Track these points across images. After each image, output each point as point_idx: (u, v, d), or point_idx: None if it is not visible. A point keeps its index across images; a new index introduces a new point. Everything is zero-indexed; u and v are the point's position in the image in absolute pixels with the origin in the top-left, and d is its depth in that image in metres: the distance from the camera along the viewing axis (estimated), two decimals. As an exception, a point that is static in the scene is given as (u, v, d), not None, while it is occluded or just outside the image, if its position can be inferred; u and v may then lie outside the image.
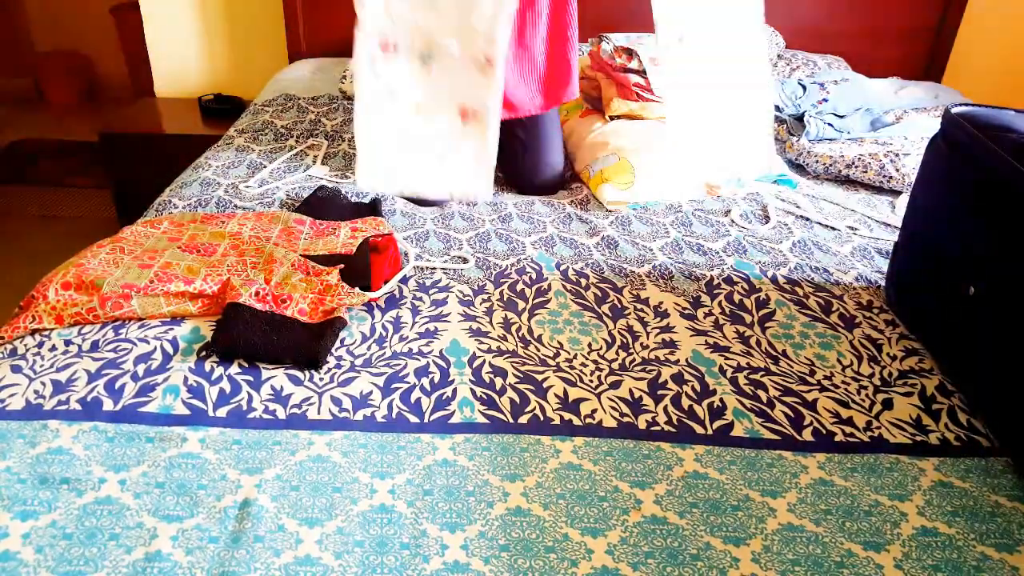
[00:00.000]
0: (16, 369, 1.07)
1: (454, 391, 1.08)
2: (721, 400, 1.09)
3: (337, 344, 1.17)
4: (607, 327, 1.25)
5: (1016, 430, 1.00)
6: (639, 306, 1.31)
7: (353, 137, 2.00)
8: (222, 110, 2.59)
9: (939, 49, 2.57)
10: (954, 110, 1.20)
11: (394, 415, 1.03)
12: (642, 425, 1.03)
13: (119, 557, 0.81)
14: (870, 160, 1.82)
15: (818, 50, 2.46)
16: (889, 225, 1.64)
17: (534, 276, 1.39)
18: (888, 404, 1.10)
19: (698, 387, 1.11)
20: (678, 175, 1.73)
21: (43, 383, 1.04)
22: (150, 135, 2.47)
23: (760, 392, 1.11)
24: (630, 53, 1.99)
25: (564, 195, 1.76)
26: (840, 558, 0.85)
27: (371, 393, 1.07)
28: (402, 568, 0.81)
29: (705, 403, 1.08)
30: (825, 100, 2.11)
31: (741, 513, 0.90)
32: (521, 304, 1.30)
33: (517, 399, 1.07)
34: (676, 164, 1.73)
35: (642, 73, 1.98)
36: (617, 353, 1.18)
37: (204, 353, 1.12)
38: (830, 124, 2.01)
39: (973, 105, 1.20)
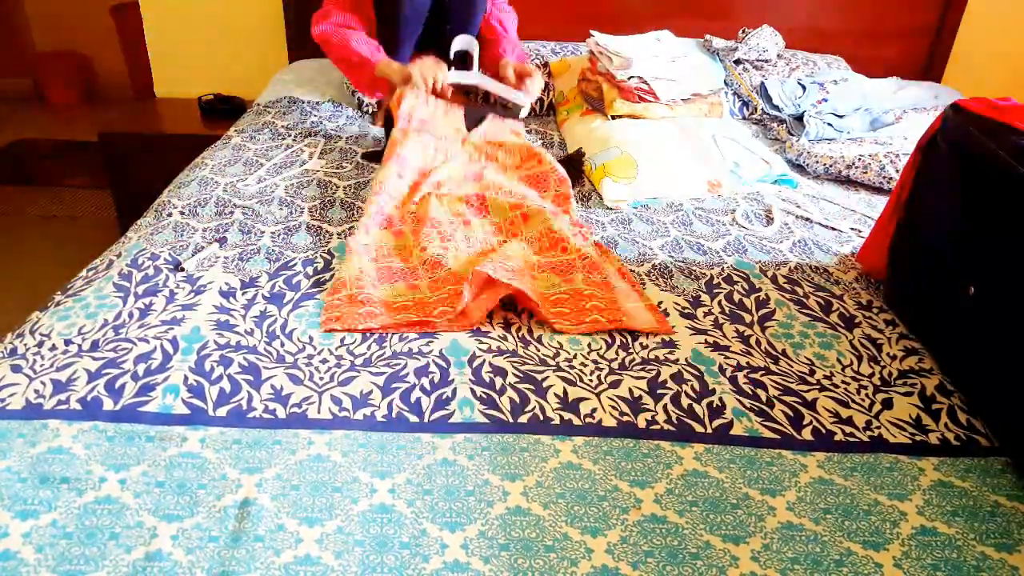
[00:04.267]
0: (16, 369, 1.07)
1: (454, 391, 1.08)
2: (720, 399, 1.09)
3: (337, 343, 1.17)
4: (607, 327, 1.25)
5: (1016, 430, 1.00)
6: (639, 306, 1.31)
7: (349, 136, 2.01)
8: (222, 110, 2.59)
9: (939, 49, 2.57)
10: (954, 110, 1.20)
11: (394, 415, 1.03)
12: (642, 424, 1.04)
13: (119, 556, 0.81)
14: (870, 160, 1.82)
15: (818, 50, 2.46)
16: (889, 225, 1.64)
17: (534, 276, 1.39)
18: (888, 404, 1.10)
19: (697, 386, 1.11)
20: (680, 171, 1.74)
21: (43, 383, 1.04)
22: (150, 135, 2.47)
23: (760, 391, 1.11)
24: (628, 71, 1.98)
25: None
26: (839, 557, 0.85)
27: (371, 393, 1.07)
28: (402, 567, 0.81)
29: (704, 402, 1.08)
30: (825, 100, 2.11)
31: (740, 512, 0.90)
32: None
33: (517, 399, 1.07)
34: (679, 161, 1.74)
35: (643, 80, 1.98)
36: (617, 353, 1.18)
37: None
38: (830, 124, 2.01)
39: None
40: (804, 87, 2.16)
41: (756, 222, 1.63)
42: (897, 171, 1.77)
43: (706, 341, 1.22)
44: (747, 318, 1.29)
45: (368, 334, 1.20)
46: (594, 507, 0.90)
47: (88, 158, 3.33)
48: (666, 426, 1.03)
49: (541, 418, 1.04)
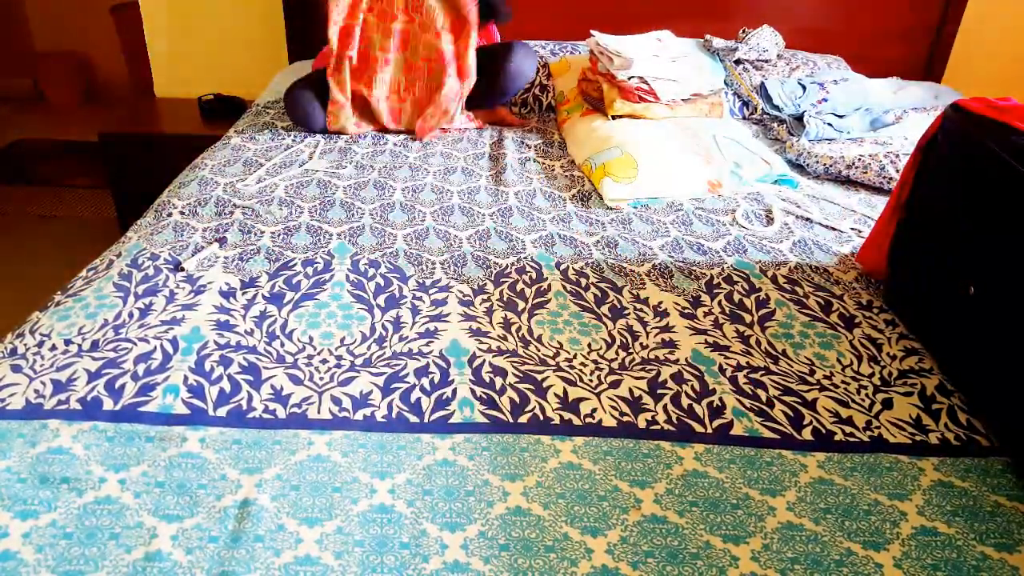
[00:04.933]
0: (16, 369, 1.07)
1: (454, 391, 1.08)
2: (720, 399, 1.09)
3: (337, 343, 1.17)
4: (607, 327, 1.25)
5: (1016, 430, 1.00)
6: (639, 306, 1.31)
7: (349, 136, 2.01)
8: (222, 110, 2.59)
9: (939, 49, 2.57)
10: (954, 110, 1.20)
11: (394, 415, 1.03)
12: (642, 424, 1.04)
13: (119, 557, 0.81)
14: (870, 161, 1.82)
15: (818, 50, 2.46)
16: (889, 225, 1.64)
17: (534, 276, 1.39)
18: (888, 404, 1.10)
19: (698, 386, 1.11)
20: (681, 171, 1.74)
21: (43, 383, 1.04)
22: (150, 135, 2.47)
23: (760, 391, 1.11)
24: (629, 71, 1.99)
25: (564, 188, 1.77)
26: (839, 557, 0.85)
27: (371, 393, 1.07)
28: (402, 568, 0.81)
29: (705, 402, 1.08)
30: (825, 100, 2.11)
31: (740, 512, 0.90)
32: (521, 304, 1.30)
33: (517, 399, 1.07)
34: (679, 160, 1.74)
35: (644, 79, 1.99)
36: (617, 353, 1.18)
37: None
38: (830, 124, 2.01)
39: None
40: (804, 87, 2.16)
41: (756, 222, 1.63)
42: (897, 171, 1.77)
43: (706, 341, 1.22)
44: (747, 318, 1.29)
45: (366, 334, 1.20)
46: (594, 507, 0.90)
47: (88, 158, 3.33)
48: (666, 426, 1.03)
49: (541, 418, 1.04)
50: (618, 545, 0.85)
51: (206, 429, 0.99)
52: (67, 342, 1.13)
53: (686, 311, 1.30)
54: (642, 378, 1.12)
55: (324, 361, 1.13)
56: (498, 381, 1.10)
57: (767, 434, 1.03)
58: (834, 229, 1.62)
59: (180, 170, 1.80)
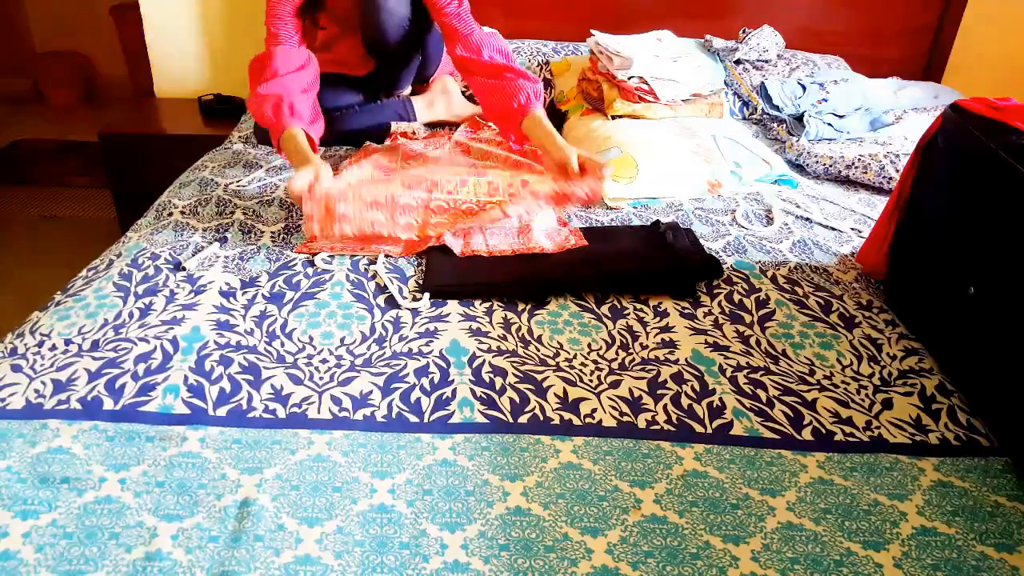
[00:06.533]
0: (16, 368, 1.07)
1: (454, 391, 1.08)
2: (720, 399, 1.09)
3: (337, 343, 1.17)
4: (607, 327, 1.25)
5: (1016, 430, 1.00)
6: (639, 306, 1.31)
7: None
8: (222, 110, 2.59)
9: (939, 49, 2.57)
10: (954, 110, 1.20)
11: (394, 415, 1.03)
12: (642, 424, 1.04)
13: (119, 556, 0.81)
14: (870, 161, 1.82)
15: (818, 50, 2.46)
16: (889, 225, 1.64)
17: (534, 276, 1.39)
18: (888, 404, 1.10)
19: (697, 386, 1.11)
20: (681, 171, 1.74)
21: (43, 382, 1.04)
22: (150, 135, 2.47)
23: (760, 391, 1.11)
24: (629, 71, 1.99)
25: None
26: (839, 557, 0.85)
27: (371, 393, 1.07)
28: (402, 568, 0.82)
29: (704, 402, 1.08)
30: (825, 100, 2.11)
31: (740, 512, 0.90)
32: (521, 304, 1.30)
33: (517, 399, 1.07)
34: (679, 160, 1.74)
35: (644, 79, 1.99)
36: (617, 353, 1.18)
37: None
38: (830, 124, 2.01)
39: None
40: (804, 87, 2.16)
41: (756, 222, 1.63)
42: (897, 171, 1.77)
43: (706, 341, 1.22)
44: (747, 318, 1.29)
45: (366, 334, 1.20)
46: (594, 507, 0.90)
47: (88, 158, 3.33)
48: (666, 426, 1.03)
49: (541, 418, 1.04)
50: (618, 545, 0.85)
51: (206, 429, 0.99)
52: (67, 342, 1.13)
53: (686, 311, 1.30)
54: (642, 378, 1.12)
55: (324, 361, 1.13)
56: (498, 381, 1.10)
57: (767, 434, 1.03)
58: (834, 229, 1.62)
59: (180, 170, 1.80)
